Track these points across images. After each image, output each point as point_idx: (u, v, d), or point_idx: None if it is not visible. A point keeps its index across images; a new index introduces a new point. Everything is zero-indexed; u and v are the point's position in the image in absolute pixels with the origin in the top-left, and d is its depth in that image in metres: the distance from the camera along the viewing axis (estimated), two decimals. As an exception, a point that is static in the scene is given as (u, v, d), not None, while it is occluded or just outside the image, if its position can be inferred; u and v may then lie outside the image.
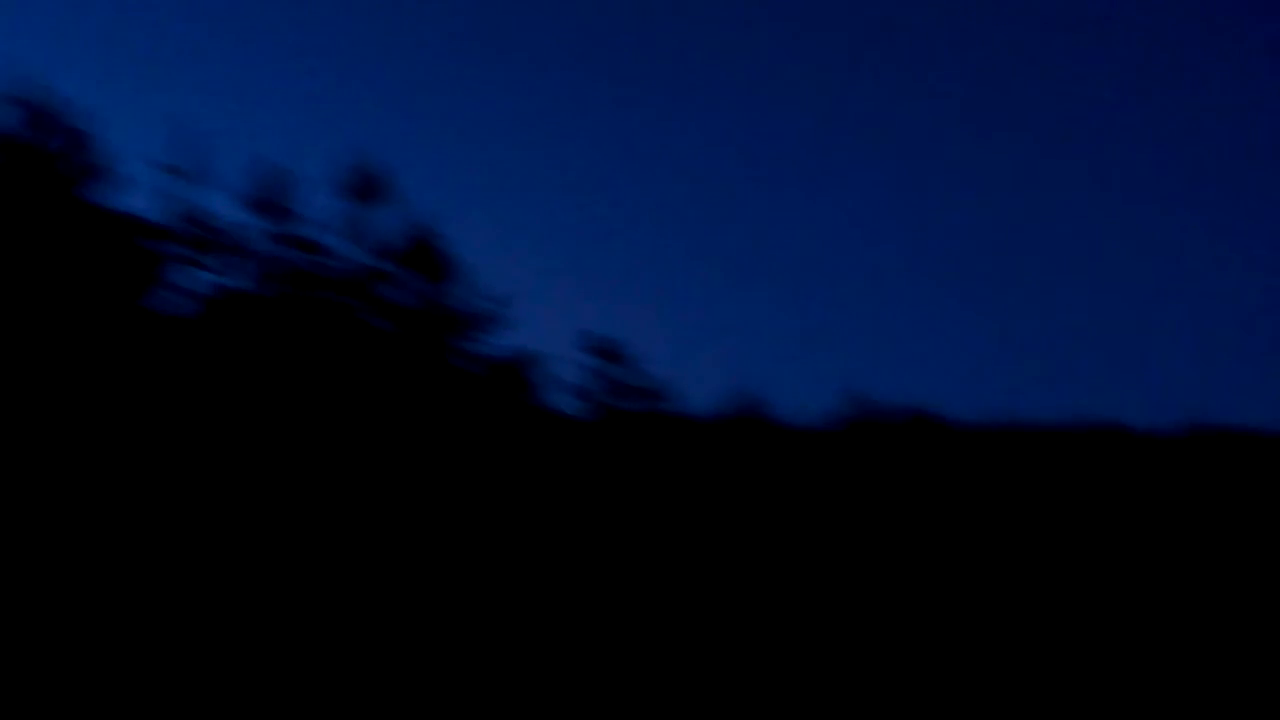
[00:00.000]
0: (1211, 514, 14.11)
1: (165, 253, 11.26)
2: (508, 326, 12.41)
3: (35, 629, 7.32)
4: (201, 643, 8.17)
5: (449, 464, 11.81)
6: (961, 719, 8.75)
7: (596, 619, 10.26)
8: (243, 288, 11.65)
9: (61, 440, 9.55)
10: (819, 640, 10.22)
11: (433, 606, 9.97)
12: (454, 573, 10.65)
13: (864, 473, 13.33)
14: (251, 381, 11.06)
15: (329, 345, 11.70)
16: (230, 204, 11.68)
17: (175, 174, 11.28)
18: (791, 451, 13.32)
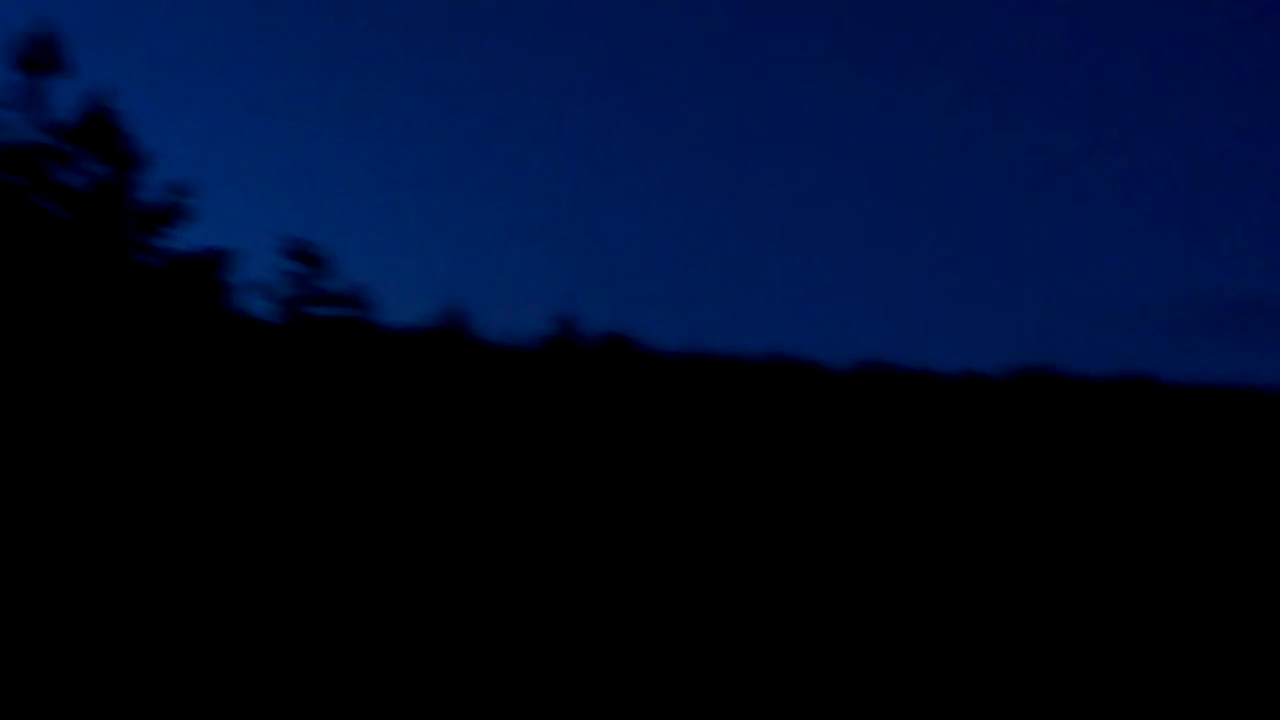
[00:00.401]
0: (878, 447, 15.30)
1: None
2: (196, 221, 11.76)
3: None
4: None
5: (127, 362, 11.18)
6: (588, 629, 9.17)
7: (276, 527, 10.06)
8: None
9: None
10: (501, 549, 10.43)
11: (103, 510, 9.49)
12: (133, 476, 10.16)
13: (557, 392, 13.60)
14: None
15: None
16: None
17: None
18: (487, 368, 13.42)
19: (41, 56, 10.92)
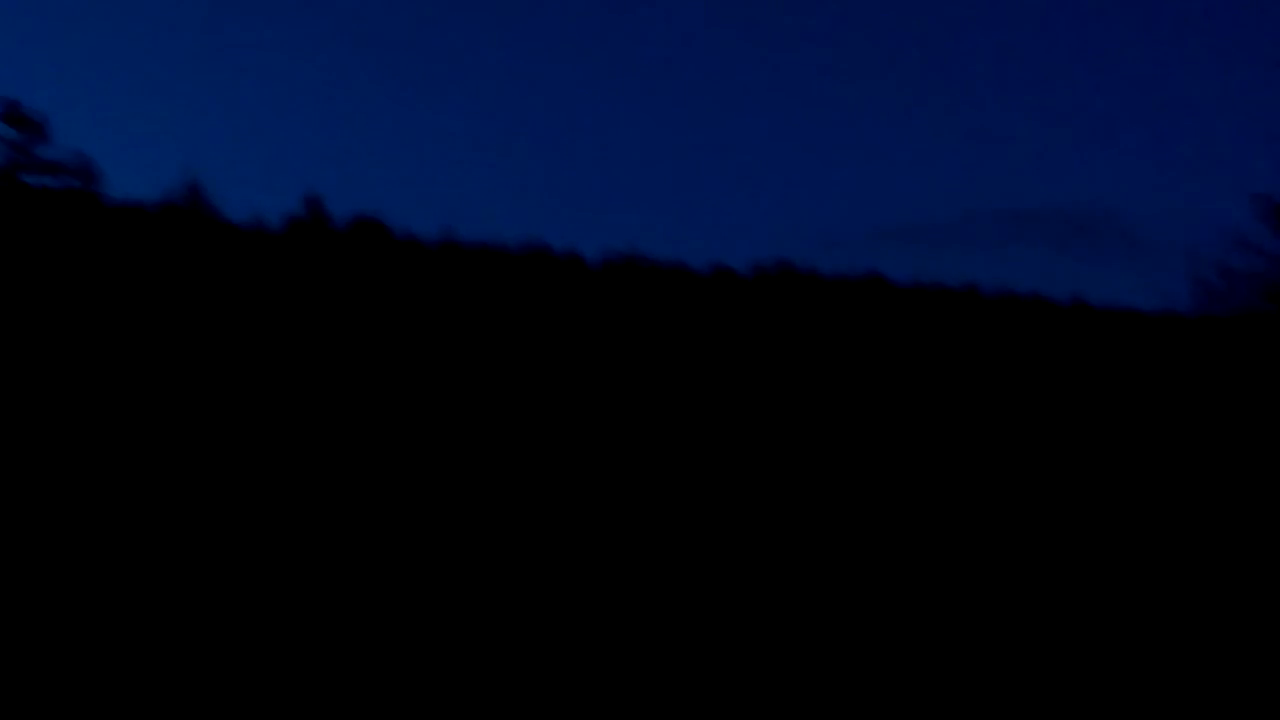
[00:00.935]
0: (628, 338, 15.62)
1: None
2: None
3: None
4: None
5: None
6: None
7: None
8: None
9: None
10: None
11: None
12: None
13: (300, 275, 13.20)
14: None
15: None
16: None
17: None
18: (224, 248, 12.86)
19: None
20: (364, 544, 7.60)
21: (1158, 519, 9.20)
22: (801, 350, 15.46)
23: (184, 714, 4.91)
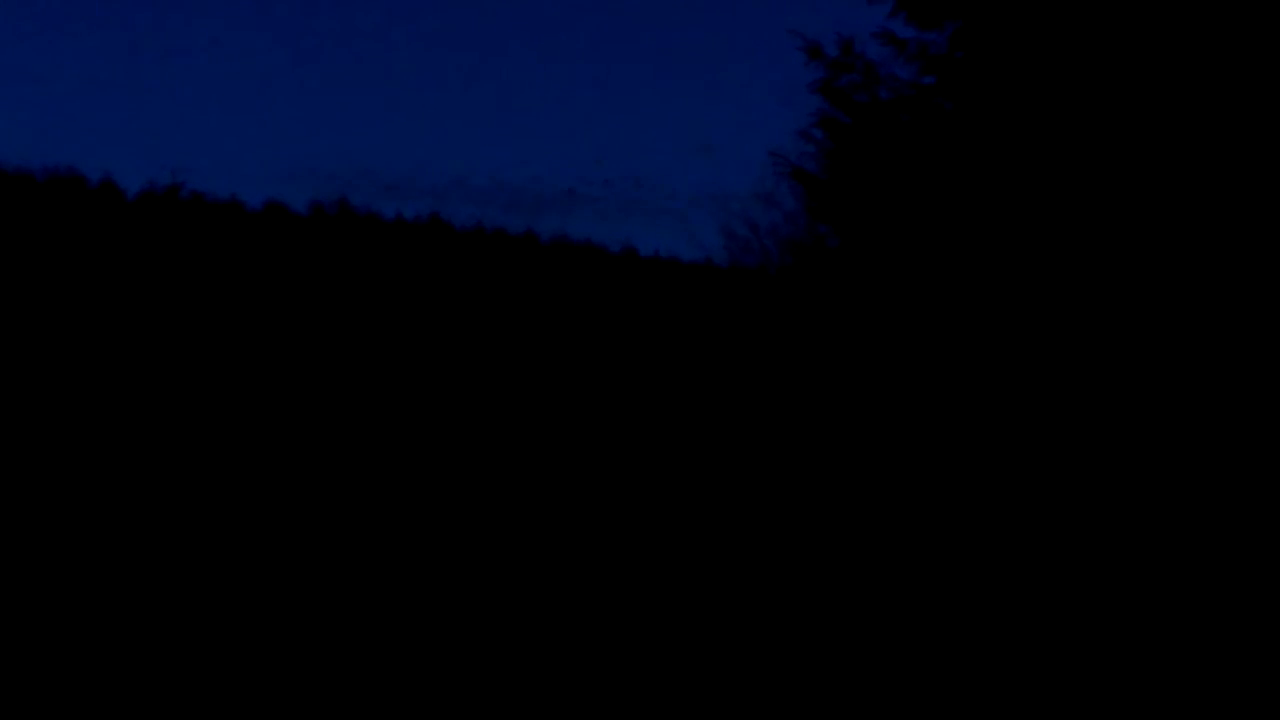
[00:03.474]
0: (165, 274, 14.60)
1: None
2: None
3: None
4: None
5: None
6: None
7: None
8: None
9: None
10: None
11: None
12: None
13: None
14: None
15: None
16: None
17: None
18: None
19: None
20: None
21: (673, 454, 9.93)
22: (355, 292, 15.18)
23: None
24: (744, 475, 8.87)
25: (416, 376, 12.94)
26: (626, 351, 14.14)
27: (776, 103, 15.43)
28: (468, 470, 9.32)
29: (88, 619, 5.35)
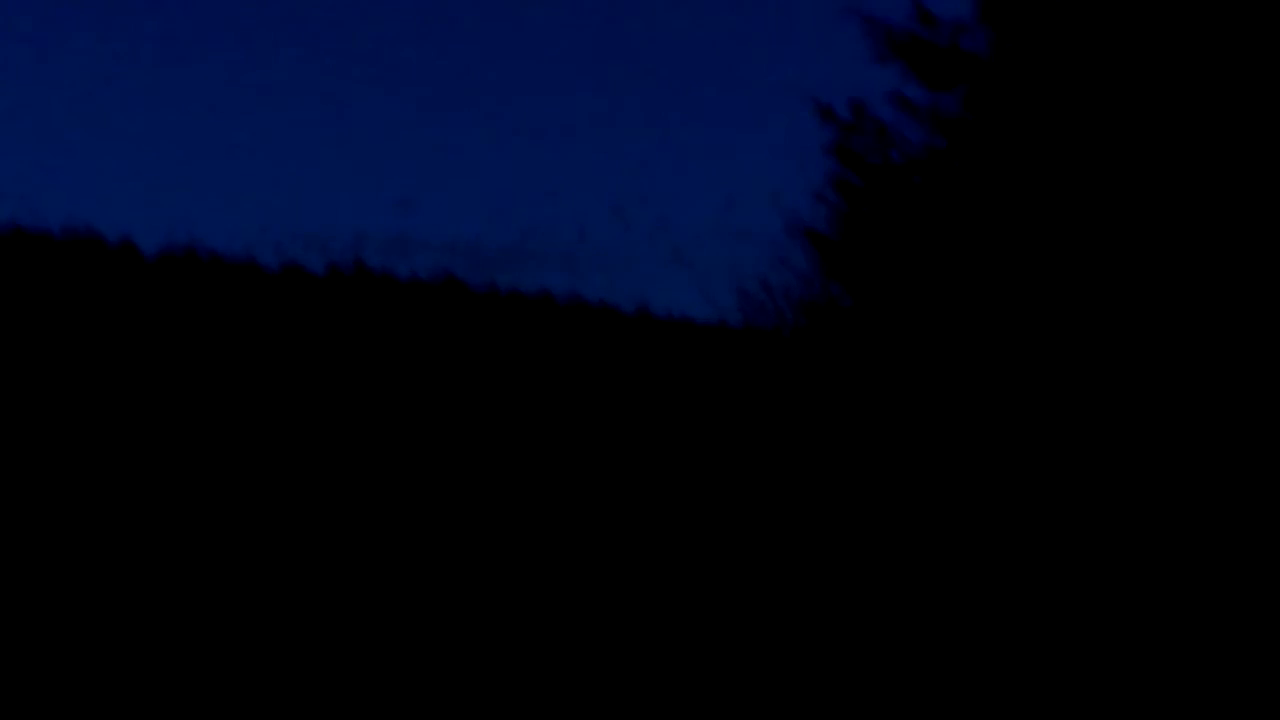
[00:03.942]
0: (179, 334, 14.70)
1: None
2: None
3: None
4: None
5: None
6: None
7: None
8: None
9: None
10: None
11: None
12: None
13: None
14: None
15: None
16: None
17: None
18: None
19: None
20: None
21: (692, 513, 9.87)
22: (372, 352, 15.23)
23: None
24: (763, 543, 8.81)
25: (435, 440, 12.93)
26: (644, 415, 14.12)
27: (790, 162, 15.54)
28: (486, 552, 9.30)
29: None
